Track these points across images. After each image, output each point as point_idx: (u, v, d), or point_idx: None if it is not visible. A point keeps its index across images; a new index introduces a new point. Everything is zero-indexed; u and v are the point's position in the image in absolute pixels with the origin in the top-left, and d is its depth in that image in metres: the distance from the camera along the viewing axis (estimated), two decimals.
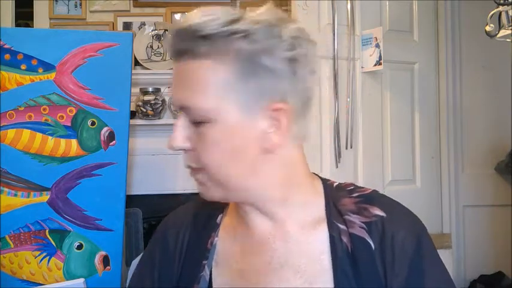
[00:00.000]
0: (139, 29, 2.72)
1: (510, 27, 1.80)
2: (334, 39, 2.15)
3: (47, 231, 1.74)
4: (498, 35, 1.84)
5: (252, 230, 0.76)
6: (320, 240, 0.72)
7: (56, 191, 1.75)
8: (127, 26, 2.80)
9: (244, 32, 0.65)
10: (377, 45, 2.16)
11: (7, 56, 1.74)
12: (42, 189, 1.75)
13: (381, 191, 0.78)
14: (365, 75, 2.25)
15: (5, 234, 1.72)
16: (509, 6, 1.79)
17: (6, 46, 1.74)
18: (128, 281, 0.92)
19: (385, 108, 2.34)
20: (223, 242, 0.78)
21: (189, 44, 0.66)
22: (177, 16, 2.81)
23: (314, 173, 0.80)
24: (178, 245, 0.81)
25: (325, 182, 0.79)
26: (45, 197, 1.75)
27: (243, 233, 0.77)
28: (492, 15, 1.84)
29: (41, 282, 1.72)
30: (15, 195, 1.73)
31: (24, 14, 2.87)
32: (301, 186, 0.75)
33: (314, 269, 0.71)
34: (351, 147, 2.20)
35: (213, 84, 0.66)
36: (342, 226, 0.72)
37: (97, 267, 1.77)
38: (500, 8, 1.81)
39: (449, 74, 2.54)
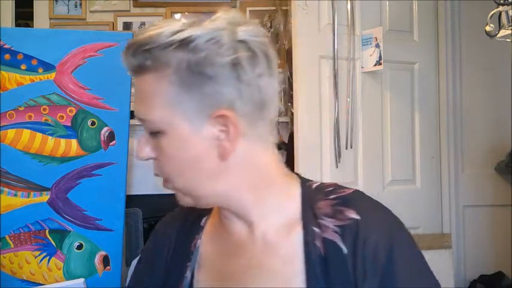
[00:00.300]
0: (139, 29, 2.72)
1: (510, 27, 1.80)
2: (334, 39, 2.15)
3: (47, 231, 1.74)
4: (498, 35, 1.84)
5: (231, 233, 0.77)
6: (295, 243, 0.72)
7: (56, 191, 1.75)
8: (127, 26, 2.80)
9: (180, 42, 0.65)
10: (377, 45, 2.16)
11: (7, 56, 1.74)
12: (42, 189, 1.75)
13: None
14: (365, 75, 2.25)
15: (5, 234, 1.72)
16: (509, 6, 1.79)
17: (6, 46, 1.74)
18: (128, 280, 0.92)
19: (385, 108, 2.34)
20: (206, 244, 0.79)
21: (138, 60, 0.67)
22: (177, 16, 2.81)
23: (296, 173, 0.79)
24: (166, 246, 0.82)
25: (304, 183, 0.77)
26: (45, 197, 1.75)
27: (223, 235, 0.78)
28: (492, 15, 1.84)
29: (41, 282, 1.72)
30: (15, 195, 1.73)
31: (24, 14, 2.87)
32: (274, 188, 0.74)
33: (289, 272, 0.71)
34: (351, 147, 2.19)
35: (159, 97, 0.67)
36: (316, 230, 0.71)
37: (97, 267, 1.77)
38: (500, 8, 1.81)
39: (449, 74, 2.53)
